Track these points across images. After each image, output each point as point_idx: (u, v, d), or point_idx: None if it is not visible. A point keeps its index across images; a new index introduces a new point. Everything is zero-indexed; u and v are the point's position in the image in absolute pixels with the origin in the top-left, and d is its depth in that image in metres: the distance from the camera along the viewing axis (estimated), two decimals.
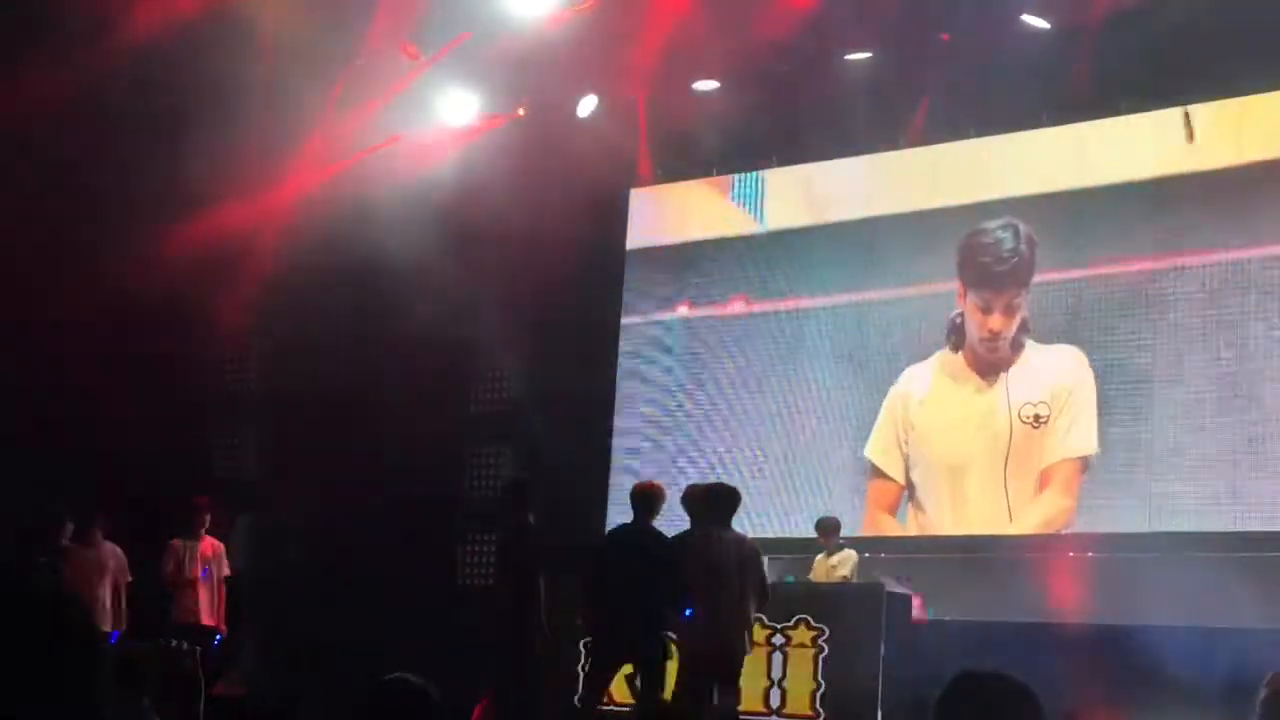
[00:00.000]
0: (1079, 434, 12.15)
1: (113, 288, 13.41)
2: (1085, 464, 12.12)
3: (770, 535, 12.55)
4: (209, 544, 11.97)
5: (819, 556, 11.63)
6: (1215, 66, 11.46)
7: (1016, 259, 12.59)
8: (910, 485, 12.84)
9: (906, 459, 12.87)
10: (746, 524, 10.73)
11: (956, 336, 12.82)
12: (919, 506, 12.77)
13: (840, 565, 11.53)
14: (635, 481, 10.64)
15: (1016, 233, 12.63)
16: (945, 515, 12.67)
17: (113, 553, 11.54)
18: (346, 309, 14.67)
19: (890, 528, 12.84)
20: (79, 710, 2.56)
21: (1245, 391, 11.50)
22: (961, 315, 12.78)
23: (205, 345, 15.54)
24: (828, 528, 11.71)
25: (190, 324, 14.49)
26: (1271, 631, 9.73)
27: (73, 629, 2.64)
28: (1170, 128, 12.09)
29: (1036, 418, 12.28)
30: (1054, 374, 12.33)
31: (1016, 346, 12.53)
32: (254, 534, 14.93)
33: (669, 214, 14.72)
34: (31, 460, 13.21)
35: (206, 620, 11.66)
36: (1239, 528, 11.36)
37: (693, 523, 9.46)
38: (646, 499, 9.49)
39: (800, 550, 12.20)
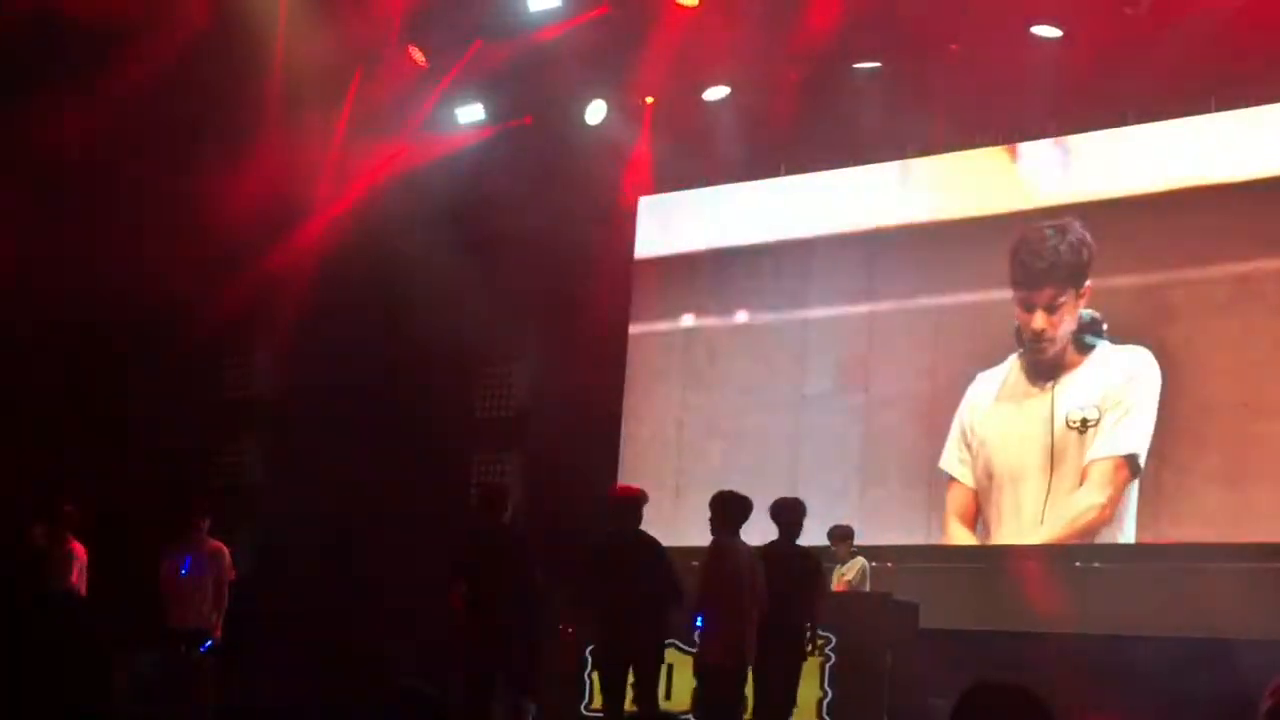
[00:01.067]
0: (1125, 432, 11.82)
1: (115, 289, 13.42)
2: (1131, 464, 11.76)
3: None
4: (209, 547, 11.96)
5: (836, 569, 11.57)
6: None
7: (1055, 257, 12.34)
8: (979, 495, 12.58)
9: (974, 469, 12.62)
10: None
11: (1018, 341, 12.61)
12: (984, 517, 12.50)
13: (848, 572, 11.50)
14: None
15: (1063, 232, 12.38)
16: (1005, 526, 12.41)
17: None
18: (353, 314, 14.67)
19: (964, 539, 12.63)
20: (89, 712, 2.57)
21: None
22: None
23: (210, 348, 15.57)
24: (838, 536, 11.67)
25: (195, 327, 14.51)
26: None
27: (84, 634, 2.65)
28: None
29: (1084, 422, 12.01)
30: (1111, 375, 12.02)
31: (1081, 348, 12.20)
32: (259, 538, 14.92)
33: (679, 221, 14.71)
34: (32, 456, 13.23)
35: (192, 623, 11.65)
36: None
37: (727, 532, 9.32)
38: (633, 506, 9.47)
39: None
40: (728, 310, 14.18)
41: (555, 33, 13.68)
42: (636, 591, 9.07)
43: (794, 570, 9.34)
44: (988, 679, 2.99)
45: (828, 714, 10.49)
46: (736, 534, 9.28)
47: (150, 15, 12.93)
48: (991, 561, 12.25)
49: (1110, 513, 11.82)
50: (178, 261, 13.65)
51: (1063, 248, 12.37)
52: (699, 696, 9.45)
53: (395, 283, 14.20)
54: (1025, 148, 12.97)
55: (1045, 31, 12.50)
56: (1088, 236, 12.32)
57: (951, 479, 12.65)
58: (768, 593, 9.09)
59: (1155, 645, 10.32)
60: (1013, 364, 12.56)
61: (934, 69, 12.96)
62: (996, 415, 12.54)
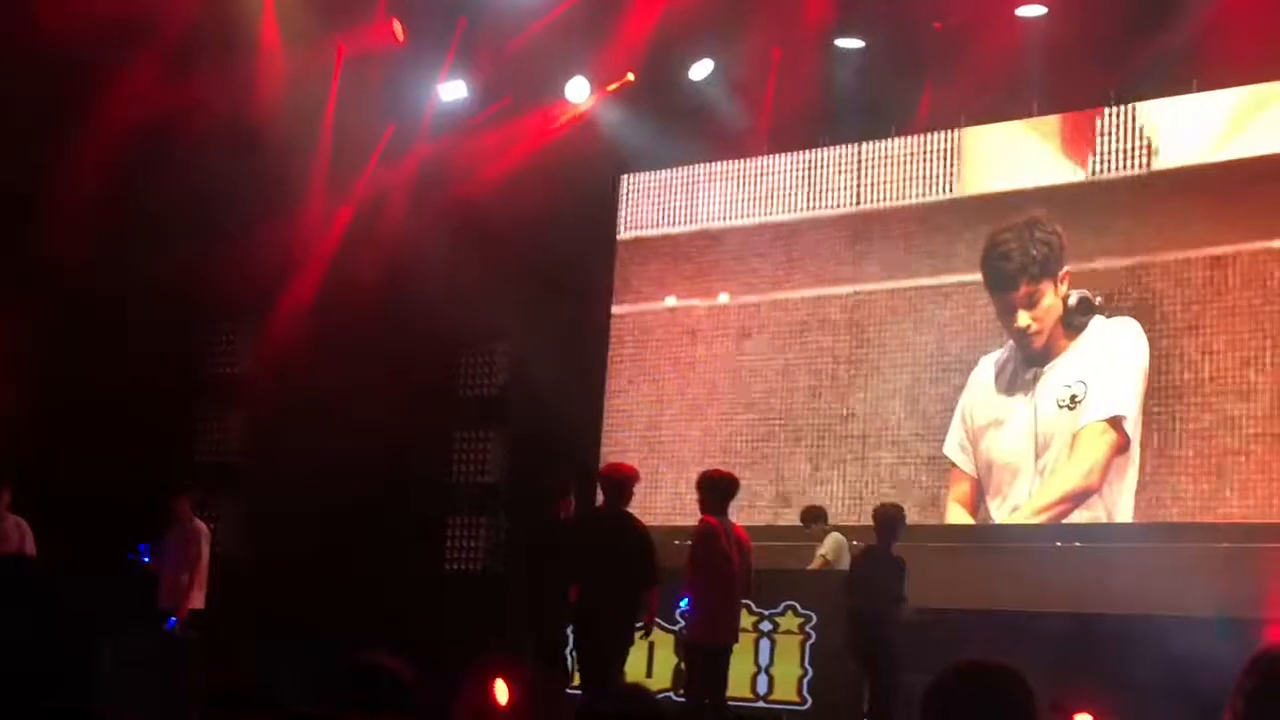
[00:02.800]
0: (1110, 394, 11.82)
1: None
2: (1116, 427, 11.74)
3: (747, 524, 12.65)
4: (189, 527, 12.00)
5: (817, 549, 11.62)
6: None
7: (1024, 255, 12.35)
8: (979, 481, 12.57)
9: (974, 455, 12.59)
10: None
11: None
12: (985, 505, 12.49)
13: (825, 550, 11.51)
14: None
15: (1029, 228, 12.38)
16: (1000, 513, 12.43)
17: (16, 525, 11.45)
18: (338, 294, 14.63)
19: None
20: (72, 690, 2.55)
21: None
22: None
23: (192, 327, 15.53)
24: (810, 517, 11.74)
25: (181, 305, 14.46)
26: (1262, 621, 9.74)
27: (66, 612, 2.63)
28: None
29: (1073, 399, 12.01)
30: (1098, 347, 12.04)
31: (1071, 330, 12.16)
32: (239, 518, 14.91)
33: (666, 201, 14.67)
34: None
35: (170, 603, 11.72)
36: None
37: (715, 511, 9.42)
38: (620, 483, 9.49)
39: (790, 538, 12.24)
40: (710, 291, 14.16)
41: (537, 10, 13.64)
42: (615, 569, 9.11)
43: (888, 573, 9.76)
44: (965, 658, 2.99)
45: (808, 692, 10.52)
46: (724, 513, 9.34)
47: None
48: (975, 540, 12.27)
49: (1099, 480, 11.77)
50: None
51: (1030, 244, 12.37)
52: (689, 674, 9.49)
53: (380, 263, 14.17)
54: (1013, 127, 12.94)
55: (1030, 11, 12.50)
56: (1055, 226, 12.31)
57: (953, 465, 12.62)
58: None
59: (1148, 624, 10.36)
60: (1011, 350, 12.55)
61: (919, 47, 12.95)
62: (994, 404, 12.52)
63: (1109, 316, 12.05)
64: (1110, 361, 11.92)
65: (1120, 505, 11.74)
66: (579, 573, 9.31)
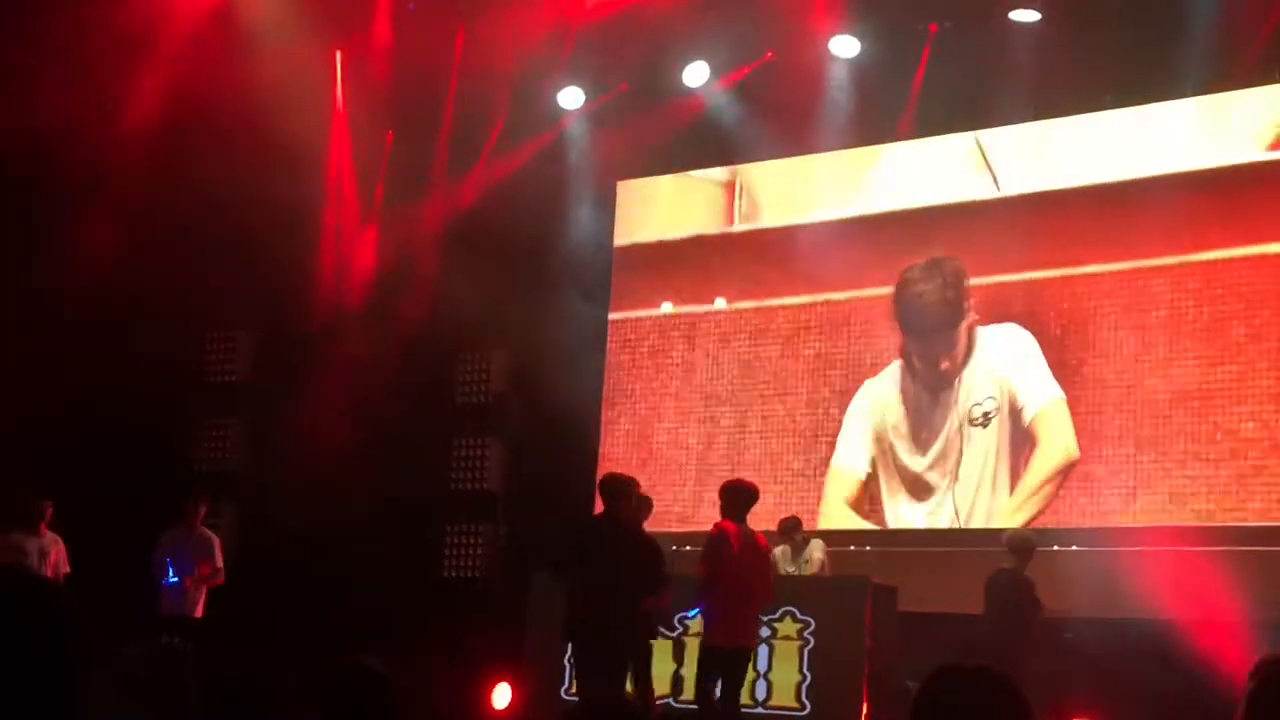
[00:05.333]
0: (1043, 383, 12.22)
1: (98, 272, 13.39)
2: (1064, 404, 12.11)
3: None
4: (197, 534, 11.98)
5: (781, 549, 11.74)
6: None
7: (942, 309, 12.68)
8: (877, 487, 12.89)
9: (874, 462, 12.92)
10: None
11: (904, 359, 12.96)
12: (883, 508, 12.83)
13: (816, 555, 11.58)
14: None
15: (941, 279, 12.68)
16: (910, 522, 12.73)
17: (53, 541, 11.49)
18: (334, 297, 14.65)
19: (852, 523, 12.89)
20: (61, 703, 2.52)
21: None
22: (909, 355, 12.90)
23: (191, 333, 15.52)
24: (790, 527, 11.83)
25: (177, 310, 14.46)
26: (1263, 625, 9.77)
27: (58, 618, 2.59)
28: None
29: (986, 415, 12.40)
30: (996, 360, 12.46)
31: (969, 352, 12.60)
32: (238, 524, 14.90)
33: (656, 208, 14.69)
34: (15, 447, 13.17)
35: (175, 611, 11.73)
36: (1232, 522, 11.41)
37: (735, 518, 9.59)
38: (623, 491, 9.58)
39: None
40: (706, 297, 14.18)
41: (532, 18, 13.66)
42: (619, 577, 9.15)
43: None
44: (954, 662, 3.00)
45: (806, 697, 10.52)
46: (743, 521, 9.49)
47: None
48: (968, 544, 12.29)
49: (1078, 450, 12.04)
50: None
51: (949, 294, 12.66)
52: (704, 677, 9.54)
53: (377, 268, 14.20)
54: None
55: (1024, 16, 12.53)
56: (959, 268, 12.60)
57: (840, 470, 12.99)
58: None
59: (1141, 627, 10.39)
60: (902, 369, 12.93)
61: (916, 53, 12.99)
62: (895, 418, 12.89)
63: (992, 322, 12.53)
64: (1017, 367, 12.35)
65: None
66: (584, 580, 9.35)
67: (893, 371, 13.01)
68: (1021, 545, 10.68)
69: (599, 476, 13.80)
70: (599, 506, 9.96)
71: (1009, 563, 10.61)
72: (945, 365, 12.69)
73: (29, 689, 2.38)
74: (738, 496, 9.69)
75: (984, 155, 12.95)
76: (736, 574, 9.32)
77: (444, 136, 14.71)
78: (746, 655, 9.62)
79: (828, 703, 10.46)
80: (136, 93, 13.50)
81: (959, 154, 13.08)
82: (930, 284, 12.75)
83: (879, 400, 13.01)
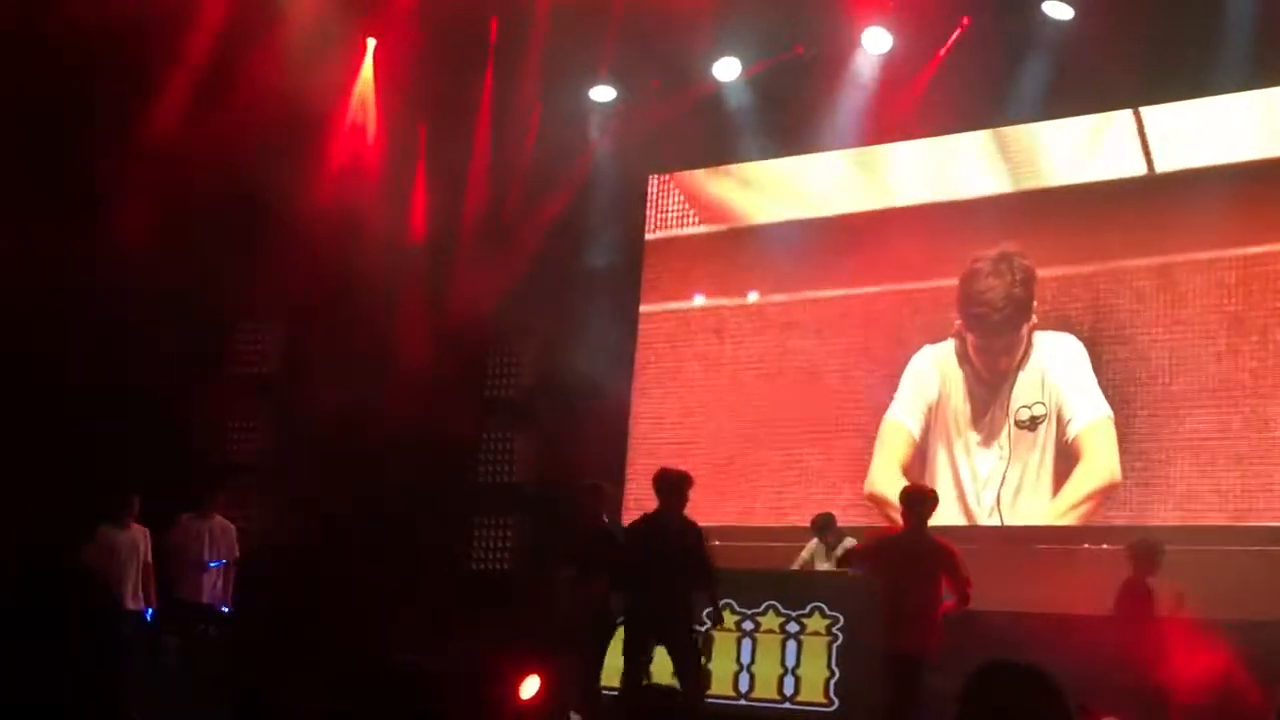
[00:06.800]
0: (1093, 400, 12.16)
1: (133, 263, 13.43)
2: (1111, 423, 12.04)
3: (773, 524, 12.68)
4: (218, 523, 12.06)
5: (813, 545, 11.69)
6: None
7: (1008, 304, 12.59)
8: (931, 452, 12.85)
9: (927, 428, 12.89)
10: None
11: (961, 344, 12.87)
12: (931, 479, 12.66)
13: (841, 550, 11.57)
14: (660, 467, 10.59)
15: (1010, 276, 12.58)
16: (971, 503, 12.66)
17: (142, 533, 11.60)
18: (366, 290, 14.66)
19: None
20: (101, 690, 2.54)
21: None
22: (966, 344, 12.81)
23: (222, 328, 15.57)
24: (824, 524, 11.79)
25: (210, 300, 14.50)
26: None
27: (97, 609, 2.61)
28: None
29: (1033, 420, 12.35)
30: (1049, 367, 12.41)
31: (1026, 355, 12.53)
32: (267, 517, 14.94)
33: (688, 202, 14.67)
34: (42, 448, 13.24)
35: (196, 597, 11.80)
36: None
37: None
38: (678, 485, 9.60)
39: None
40: (738, 290, 14.15)
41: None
42: (671, 572, 9.19)
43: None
44: (998, 660, 2.99)
45: (835, 693, 10.49)
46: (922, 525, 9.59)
47: None
48: (998, 543, 12.26)
49: (1120, 473, 11.98)
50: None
51: (1016, 291, 12.56)
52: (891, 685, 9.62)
53: (404, 261, 14.19)
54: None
55: (1057, 11, 12.47)
56: (1027, 264, 12.52)
57: (900, 424, 12.91)
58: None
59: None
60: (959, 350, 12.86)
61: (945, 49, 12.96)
62: (946, 399, 12.83)
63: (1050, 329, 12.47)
64: (1068, 377, 12.31)
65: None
66: (638, 574, 9.42)
67: (952, 346, 12.96)
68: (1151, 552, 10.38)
69: (625, 470, 13.92)
70: (616, 502, 9.97)
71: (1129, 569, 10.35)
72: (1004, 364, 12.62)
73: (79, 679, 2.41)
74: (911, 500, 9.76)
75: (1001, 148, 12.92)
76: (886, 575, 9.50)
77: (479, 130, 14.71)
78: (908, 660, 9.54)
79: (856, 698, 10.43)
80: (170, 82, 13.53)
81: (986, 149, 13.05)
82: (999, 280, 12.65)
83: (942, 369, 12.92)
